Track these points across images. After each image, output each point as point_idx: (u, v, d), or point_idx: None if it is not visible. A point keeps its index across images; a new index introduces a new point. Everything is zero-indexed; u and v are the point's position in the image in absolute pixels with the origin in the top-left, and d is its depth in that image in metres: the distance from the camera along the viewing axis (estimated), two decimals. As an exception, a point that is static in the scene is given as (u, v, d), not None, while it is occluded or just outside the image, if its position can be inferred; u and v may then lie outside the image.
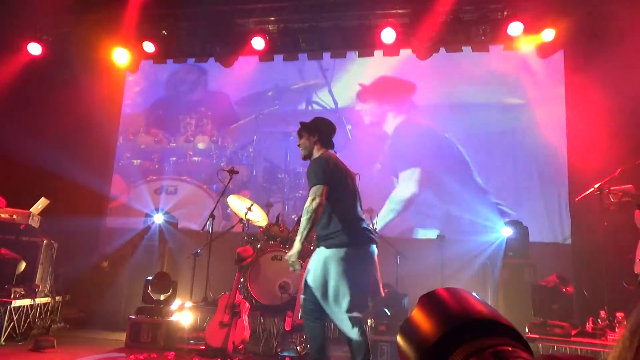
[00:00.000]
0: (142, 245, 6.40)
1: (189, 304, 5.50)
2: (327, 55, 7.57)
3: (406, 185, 7.00)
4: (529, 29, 6.61)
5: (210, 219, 5.72)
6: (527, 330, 4.37)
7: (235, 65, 7.67)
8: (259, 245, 5.57)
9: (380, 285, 3.33)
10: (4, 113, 6.77)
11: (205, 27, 7.40)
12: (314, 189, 3.17)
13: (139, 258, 6.29)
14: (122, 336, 5.26)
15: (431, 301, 0.61)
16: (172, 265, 6.39)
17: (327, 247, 3.22)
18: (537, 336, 4.26)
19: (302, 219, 3.18)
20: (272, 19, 7.39)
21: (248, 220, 5.80)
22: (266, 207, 6.13)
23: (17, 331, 5.05)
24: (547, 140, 6.65)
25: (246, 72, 7.76)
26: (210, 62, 7.80)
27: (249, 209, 5.67)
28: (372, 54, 7.55)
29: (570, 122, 6.59)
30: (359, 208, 3.38)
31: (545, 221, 6.45)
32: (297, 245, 3.19)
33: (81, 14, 7.15)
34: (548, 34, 6.54)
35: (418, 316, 0.60)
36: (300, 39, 7.23)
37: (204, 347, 4.80)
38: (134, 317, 5.18)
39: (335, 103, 7.59)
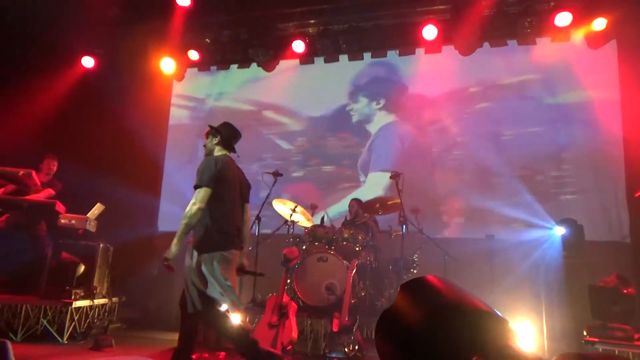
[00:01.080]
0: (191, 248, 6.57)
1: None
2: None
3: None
4: (579, 19, 6.36)
5: (256, 221, 5.81)
6: (585, 333, 4.19)
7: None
8: (304, 247, 5.61)
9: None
10: (62, 124, 7.13)
11: (246, 34, 7.56)
12: (197, 191, 3.29)
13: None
14: (175, 336, 5.41)
15: (417, 291, 0.56)
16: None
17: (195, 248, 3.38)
18: (596, 339, 4.08)
19: (181, 223, 3.25)
20: (312, 21, 7.45)
21: (293, 222, 5.86)
22: (310, 209, 6.17)
23: (78, 331, 5.30)
24: (601, 134, 6.36)
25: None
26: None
27: (294, 210, 5.73)
28: (413, 52, 7.47)
29: (625, 114, 6.27)
30: (236, 214, 3.52)
31: (601, 219, 6.17)
32: (173, 248, 3.29)
33: (129, 26, 7.45)
34: (599, 23, 6.27)
35: (404, 307, 0.55)
36: (340, 41, 7.25)
37: (253, 348, 4.86)
38: (185, 317, 5.33)
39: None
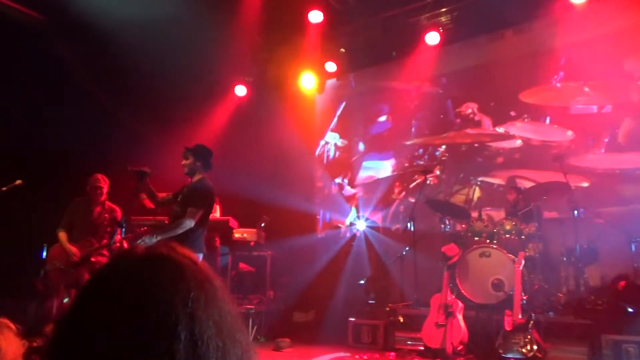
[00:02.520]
0: (350, 251, 6.81)
1: (401, 305, 5.63)
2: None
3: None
4: None
5: (411, 220, 5.78)
6: None
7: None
8: (463, 243, 5.41)
9: None
10: (224, 150, 7.92)
11: (379, 36, 7.58)
12: (194, 211, 3.86)
13: (349, 264, 6.71)
14: (345, 337, 5.66)
15: None
16: (381, 269, 6.63)
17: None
18: None
19: (172, 226, 3.86)
20: (444, 9, 7.17)
21: (449, 218, 5.70)
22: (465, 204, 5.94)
23: (260, 334, 5.85)
24: None
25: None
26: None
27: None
28: (565, 18, 6.67)
29: None
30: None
31: None
32: (154, 240, 3.69)
33: (272, 50, 8.04)
34: None
35: None
36: (476, 21, 6.85)
37: (422, 348, 4.84)
38: (353, 319, 5.53)
39: None
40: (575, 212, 5.07)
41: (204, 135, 7.98)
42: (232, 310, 0.70)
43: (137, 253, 0.70)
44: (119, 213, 4.99)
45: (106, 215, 4.94)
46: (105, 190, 4.98)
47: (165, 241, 0.75)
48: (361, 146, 8.44)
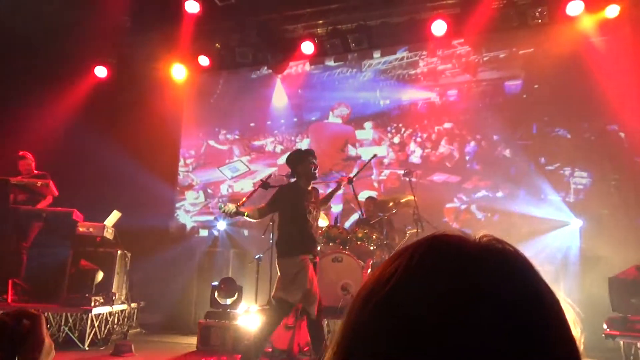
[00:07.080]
0: (207, 251, 6.62)
1: (254, 307, 5.63)
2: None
3: None
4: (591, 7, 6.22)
5: (271, 224, 5.83)
6: (605, 326, 4.10)
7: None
8: (319, 248, 5.60)
9: None
10: (77, 133, 7.23)
11: (256, 37, 7.58)
12: None
13: (205, 264, 6.52)
14: (193, 340, 5.48)
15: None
16: (237, 271, 6.57)
17: None
18: (617, 333, 3.99)
19: None
20: (320, 22, 7.44)
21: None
22: (325, 210, 6.15)
23: (99, 337, 5.38)
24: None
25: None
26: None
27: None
28: (424, 48, 7.41)
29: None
30: None
31: (622, 210, 6.01)
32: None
33: (140, 34, 7.55)
34: (612, 10, 6.12)
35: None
36: (349, 40, 7.23)
37: (270, 350, 4.88)
38: (203, 321, 5.38)
39: None
40: (419, 224, 5.59)
41: (55, 117, 7.19)
42: None
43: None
44: None
45: None
46: None
47: None
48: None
